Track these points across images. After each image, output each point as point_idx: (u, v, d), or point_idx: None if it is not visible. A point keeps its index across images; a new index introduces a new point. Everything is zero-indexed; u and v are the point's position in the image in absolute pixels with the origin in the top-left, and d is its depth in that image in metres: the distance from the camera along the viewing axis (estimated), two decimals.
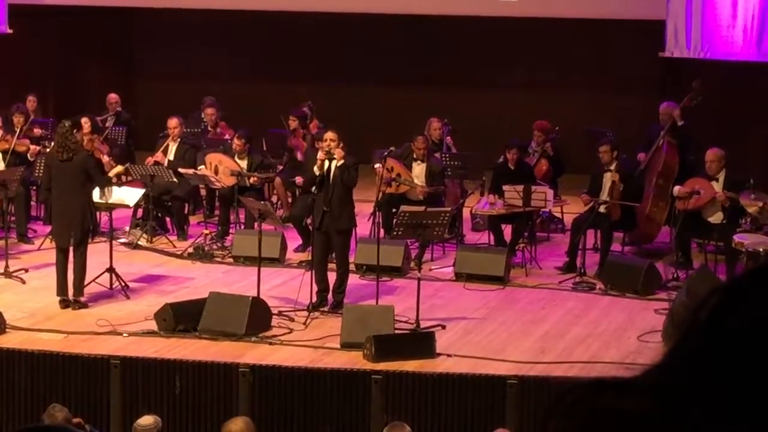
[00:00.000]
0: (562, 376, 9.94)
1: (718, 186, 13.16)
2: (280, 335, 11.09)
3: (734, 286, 1.25)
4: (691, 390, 1.19)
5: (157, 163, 14.89)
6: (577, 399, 1.25)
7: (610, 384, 1.24)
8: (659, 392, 1.20)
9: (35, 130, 16.05)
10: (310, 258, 12.44)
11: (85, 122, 14.30)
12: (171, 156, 15.20)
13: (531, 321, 11.84)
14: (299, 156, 15.48)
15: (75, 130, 12.05)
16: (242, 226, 14.68)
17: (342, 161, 11.69)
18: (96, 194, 12.29)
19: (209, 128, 17.28)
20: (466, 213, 15.21)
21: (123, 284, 12.45)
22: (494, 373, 10.06)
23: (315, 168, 11.77)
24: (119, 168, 13.04)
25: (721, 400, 1.17)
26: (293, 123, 16.10)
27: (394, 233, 12.13)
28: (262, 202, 13.55)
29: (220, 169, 14.63)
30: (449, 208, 13.48)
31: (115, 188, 13.06)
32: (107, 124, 17.62)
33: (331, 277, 11.97)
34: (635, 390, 1.23)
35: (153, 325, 11.15)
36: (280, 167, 15.86)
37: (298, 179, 14.25)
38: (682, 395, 1.19)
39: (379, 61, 20.43)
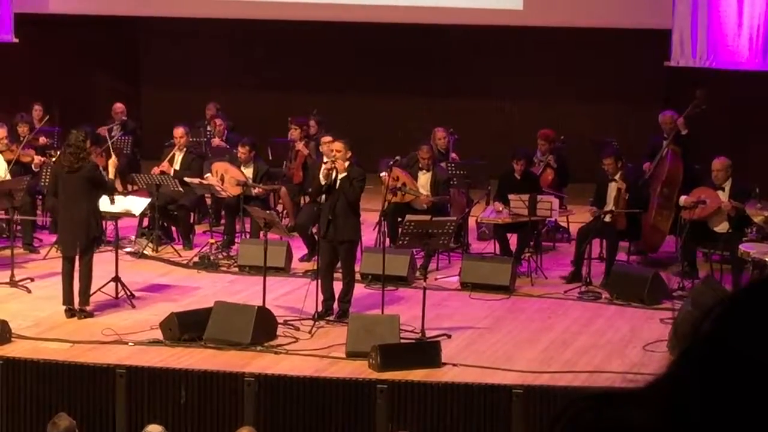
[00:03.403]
0: (568, 386, 9.93)
1: (724, 195, 13.15)
2: (286, 344, 11.08)
3: (738, 298, 1.25)
4: (695, 403, 1.19)
5: (163, 172, 14.90)
6: (581, 411, 1.25)
7: (615, 396, 1.24)
8: (663, 405, 1.20)
9: (40, 140, 16.07)
10: (315, 267, 12.44)
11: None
12: (177, 165, 15.21)
13: (536, 330, 11.83)
14: (294, 180, 15.64)
15: (89, 142, 12.09)
16: (248, 236, 14.68)
17: (345, 173, 11.69)
18: (106, 202, 12.29)
19: (216, 137, 17.32)
20: (471, 222, 15.21)
21: (128, 293, 12.45)
22: (500, 382, 10.05)
23: (321, 177, 11.78)
24: (113, 160, 12.77)
25: (724, 413, 1.17)
26: (294, 132, 16.10)
27: (400, 242, 12.13)
28: (268, 212, 13.54)
29: (226, 178, 14.63)
30: (455, 218, 13.48)
31: (121, 197, 13.06)
32: (113, 134, 17.64)
33: (337, 286, 11.97)
34: (639, 402, 1.22)
35: (158, 335, 11.15)
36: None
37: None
38: (685, 408, 1.19)
39: (384, 70, 20.44)
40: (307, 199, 14.71)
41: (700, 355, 1.22)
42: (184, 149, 15.34)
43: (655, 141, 15.09)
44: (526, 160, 14.50)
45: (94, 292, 12.11)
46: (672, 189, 14.37)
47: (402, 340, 10.93)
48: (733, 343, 1.20)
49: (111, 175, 12.35)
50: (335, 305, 11.93)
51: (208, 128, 17.64)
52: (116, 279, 12.44)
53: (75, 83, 21.07)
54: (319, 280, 11.87)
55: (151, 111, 21.04)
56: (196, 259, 14.19)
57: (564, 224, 15.66)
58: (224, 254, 14.42)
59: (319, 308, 11.79)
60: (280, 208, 16.09)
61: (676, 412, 1.19)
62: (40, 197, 15.75)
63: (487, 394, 9.89)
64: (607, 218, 13.57)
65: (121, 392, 10.13)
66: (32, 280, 13.19)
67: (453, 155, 16.00)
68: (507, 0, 18.13)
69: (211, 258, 14.14)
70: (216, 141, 17.22)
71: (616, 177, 13.62)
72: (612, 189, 13.62)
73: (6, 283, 12.95)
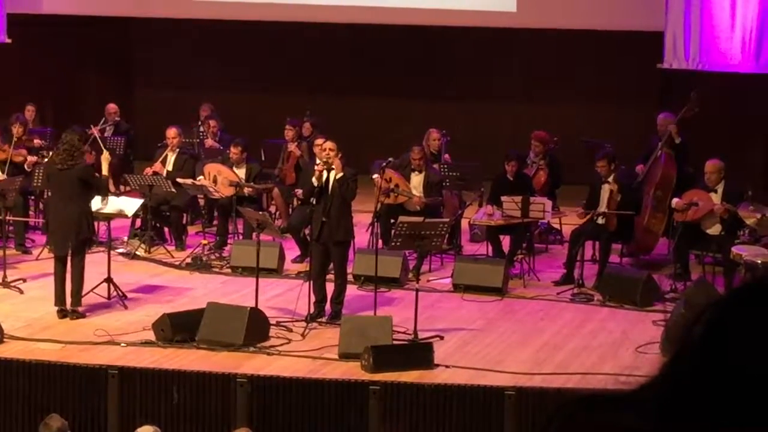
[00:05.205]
0: (560, 387, 9.93)
1: (716, 198, 13.16)
2: (278, 346, 11.08)
3: (729, 301, 1.25)
4: (687, 405, 1.19)
5: (155, 173, 14.89)
6: (573, 413, 1.25)
7: (607, 398, 1.24)
8: (655, 407, 1.20)
9: (35, 141, 16.03)
10: (308, 268, 12.44)
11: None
12: (170, 166, 15.19)
13: (529, 332, 11.83)
14: (286, 181, 15.62)
15: (82, 142, 12.11)
16: (240, 237, 14.67)
17: (341, 173, 11.69)
18: (97, 202, 12.28)
19: (209, 138, 17.32)
20: (464, 224, 15.21)
21: (121, 294, 12.44)
22: (492, 384, 10.05)
23: (313, 179, 11.77)
24: (106, 154, 12.75)
25: (717, 416, 1.17)
26: (289, 132, 16.09)
27: (393, 244, 12.12)
28: (261, 213, 13.54)
29: (219, 179, 14.63)
30: (447, 219, 13.48)
31: (113, 198, 13.05)
32: (106, 134, 17.62)
33: (329, 287, 11.96)
34: (631, 405, 1.22)
35: (151, 335, 11.14)
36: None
37: (298, 191, 14.25)
38: (677, 411, 1.19)
39: (378, 71, 20.44)
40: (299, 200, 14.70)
41: (691, 358, 1.22)
42: (177, 150, 15.32)
43: (652, 142, 15.10)
44: (518, 162, 14.51)
45: (87, 293, 12.10)
46: (665, 191, 14.37)
47: (394, 342, 10.93)
48: (724, 346, 1.20)
49: (104, 171, 12.33)
50: (327, 306, 11.93)
51: (201, 129, 17.63)
52: (108, 280, 12.43)
53: (68, 83, 21.04)
54: (312, 282, 11.86)
55: (144, 112, 21.02)
56: (188, 260, 14.18)
57: (557, 226, 15.66)
58: (217, 255, 14.41)
59: (312, 309, 11.78)
60: (272, 209, 16.08)
61: (667, 414, 1.19)
62: (33, 197, 15.73)
63: (480, 396, 9.89)
64: (600, 220, 13.59)
65: (114, 393, 10.12)
66: (24, 280, 13.17)
67: (446, 156, 15.99)
68: (500, 2, 18.12)
69: (204, 259, 14.14)
70: (209, 142, 17.22)
71: (609, 179, 13.64)
72: (605, 191, 13.64)
73: None
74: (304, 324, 11.60)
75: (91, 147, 14.45)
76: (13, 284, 13.00)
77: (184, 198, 15.03)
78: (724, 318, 1.22)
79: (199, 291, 13.02)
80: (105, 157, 12.43)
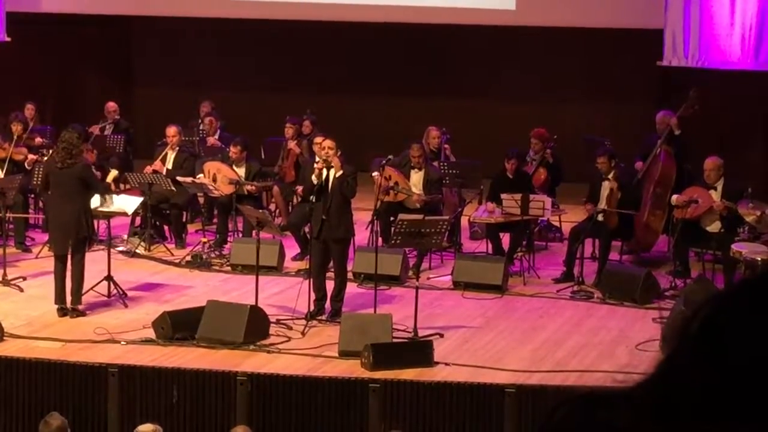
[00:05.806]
0: (559, 385, 9.94)
1: (716, 195, 13.16)
2: (278, 344, 11.09)
3: (728, 297, 1.25)
4: (683, 403, 1.19)
5: (155, 171, 14.89)
6: (570, 412, 1.25)
7: (604, 396, 1.24)
8: (651, 405, 1.20)
9: (36, 140, 16.02)
10: (308, 266, 12.44)
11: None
12: (169, 165, 15.20)
13: (529, 330, 11.84)
14: (286, 179, 15.62)
15: (81, 140, 12.12)
16: (240, 235, 14.68)
17: (341, 171, 11.69)
18: (96, 202, 12.28)
19: (208, 136, 17.31)
20: (464, 221, 15.21)
21: (121, 292, 12.44)
22: (492, 381, 10.06)
23: (313, 177, 11.76)
24: (114, 172, 12.98)
25: (712, 416, 1.17)
26: (289, 130, 16.09)
27: (393, 242, 12.12)
28: (261, 211, 13.54)
29: (219, 177, 14.62)
30: (447, 217, 13.48)
31: (113, 196, 13.06)
32: (105, 133, 17.62)
33: (329, 285, 11.97)
34: (628, 403, 1.23)
35: (151, 334, 11.15)
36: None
37: (300, 189, 14.26)
38: (674, 409, 1.19)
39: (378, 69, 20.43)
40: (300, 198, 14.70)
41: (688, 355, 1.22)
42: (177, 148, 15.33)
43: (650, 139, 15.10)
44: (517, 159, 14.52)
45: (87, 291, 12.10)
46: (665, 189, 14.37)
47: (394, 339, 10.93)
48: (722, 343, 1.20)
49: (108, 180, 12.36)
50: (327, 304, 11.93)
51: (202, 127, 17.63)
52: (108, 278, 12.43)
53: (67, 82, 21.04)
54: (312, 279, 11.87)
55: (144, 110, 21.01)
56: (188, 258, 14.18)
57: (556, 223, 15.66)
58: (217, 253, 14.41)
59: (312, 307, 11.78)
60: (272, 207, 16.08)
61: (665, 412, 1.19)
62: (32, 196, 15.72)
63: (479, 394, 9.89)
64: (600, 217, 13.58)
65: (114, 391, 10.12)
66: (24, 279, 13.18)
67: (446, 147, 15.99)
68: (500, 0, 18.13)
69: (204, 257, 14.14)
70: (211, 140, 17.21)
71: (609, 176, 13.64)
72: (605, 188, 13.64)
73: None
74: (304, 322, 11.60)
75: (97, 153, 14.47)
76: (13, 282, 13.00)
77: (184, 196, 15.03)
78: (721, 315, 1.23)
79: (199, 289, 13.02)
80: (113, 173, 12.49)
